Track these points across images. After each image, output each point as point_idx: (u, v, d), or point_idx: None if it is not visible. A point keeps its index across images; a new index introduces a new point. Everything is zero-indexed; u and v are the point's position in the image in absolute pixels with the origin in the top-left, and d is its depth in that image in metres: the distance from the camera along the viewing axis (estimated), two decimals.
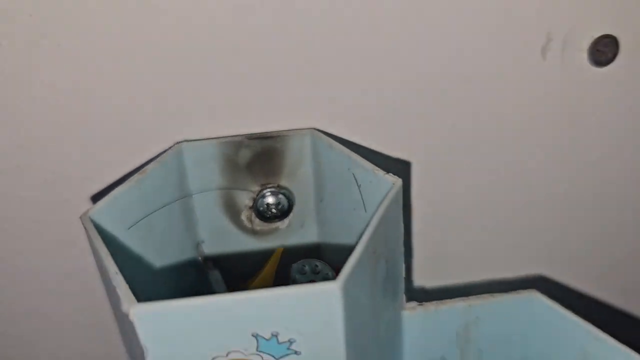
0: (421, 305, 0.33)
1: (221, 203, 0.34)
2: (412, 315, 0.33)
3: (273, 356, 0.24)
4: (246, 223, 0.35)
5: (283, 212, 0.35)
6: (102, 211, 0.28)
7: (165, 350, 0.23)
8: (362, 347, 0.27)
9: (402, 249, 0.30)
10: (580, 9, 0.33)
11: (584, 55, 0.34)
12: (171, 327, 0.22)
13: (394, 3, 0.30)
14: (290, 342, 0.24)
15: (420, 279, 0.37)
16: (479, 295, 0.33)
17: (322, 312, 0.23)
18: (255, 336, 0.23)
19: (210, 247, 0.35)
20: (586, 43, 0.34)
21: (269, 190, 0.34)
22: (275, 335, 0.23)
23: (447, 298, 0.32)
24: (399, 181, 0.28)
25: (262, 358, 0.24)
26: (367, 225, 0.25)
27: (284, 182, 0.34)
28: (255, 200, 0.35)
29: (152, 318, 0.22)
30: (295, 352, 0.24)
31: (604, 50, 0.34)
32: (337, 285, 0.22)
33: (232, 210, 0.35)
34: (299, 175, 0.34)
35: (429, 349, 0.34)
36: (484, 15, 0.32)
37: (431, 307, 0.33)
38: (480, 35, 0.32)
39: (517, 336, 0.34)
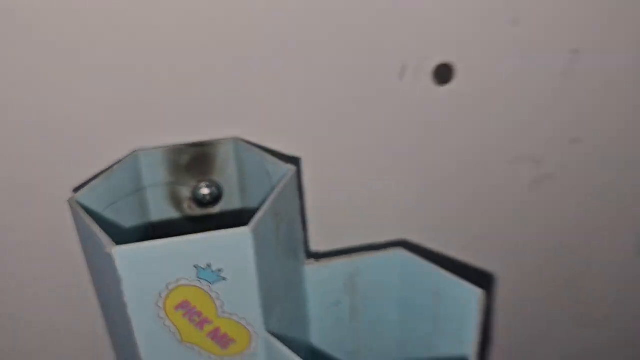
0: (317, 261, 0.45)
1: (168, 195, 0.46)
2: (311, 269, 0.45)
3: (208, 281, 0.35)
4: (187, 210, 0.47)
5: (215, 200, 0.47)
6: (83, 197, 0.39)
7: (135, 279, 0.34)
8: (272, 283, 0.39)
9: (299, 219, 0.43)
10: (427, 42, 0.46)
11: (429, 78, 0.47)
12: (139, 262, 0.34)
13: (285, 25, 0.43)
14: (220, 270, 0.35)
15: (314, 245, 0.49)
16: (359, 253, 0.45)
17: (239, 248, 0.35)
18: (196, 266, 0.35)
19: (160, 229, 0.46)
20: (430, 68, 0.47)
21: (204, 184, 0.46)
22: (209, 265, 0.35)
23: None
24: (293, 168, 0.40)
25: (201, 283, 0.35)
26: (270, 194, 0.37)
27: (215, 177, 0.46)
28: (193, 192, 0.46)
29: (126, 255, 0.33)
30: (224, 278, 0.35)
31: (443, 74, 0.48)
32: (249, 228, 0.34)
33: (176, 200, 0.46)
34: (226, 172, 0.46)
35: (325, 296, 0.46)
36: (358, 47, 0.45)
37: (324, 262, 0.45)
38: (354, 61, 0.45)
39: (391, 283, 0.46)
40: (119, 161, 0.43)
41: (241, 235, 0.34)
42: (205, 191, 0.46)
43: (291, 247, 0.42)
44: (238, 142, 0.45)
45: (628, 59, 0.50)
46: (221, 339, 0.38)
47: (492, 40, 0.47)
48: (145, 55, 0.41)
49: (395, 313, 0.47)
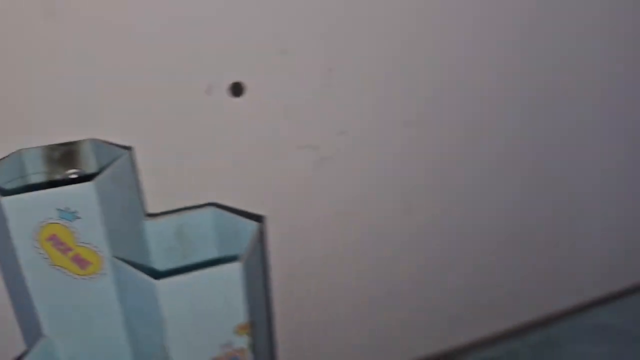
0: (154, 217, 0.66)
1: (46, 180, 0.65)
2: (149, 222, 0.65)
3: (67, 220, 0.55)
4: None
5: None
6: None
7: (17, 219, 0.53)
8: (115, 224, 0.58)
9: (135, 187, 0.63)
10: (223, 68, 0.68)
11: (227, 92, 0.69)
12: (20, 206, 0.53)
13: (125, 54, 0.64)
14: (75, 212, 0.55)
15: (150, 209, 0.70)
16: (184, 210, 0.66)
17: (87, 196, 0.55)
18: (58, 210, 0.55)
19: None
20: (227, 86, 0.69)
21: (72, 171, 0.66)
22: (67, 208, 0.55)
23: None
24: (127, 152, 0.61)
25: (63, 221, 0.55)
26: (110, 165, 0.58)
27: (80, 167, 0.66)
28: (65, 177, 0.66)
29: (10, 201, 0.53)
30: (79, 218, 0.55)
31: (237, 89, 0.70)
32: (92, 183, 0.55)
33: (52, 184, 0.66)
34: (88, 162, 0.66)
35: (162, 243, 0.66)
36: (177, 72, 0.66)
37: (158, 218, 0.66)
38: (174, 82, 0.66)
39: (208, 231, 0.67)
40: (9, 155, 0.62)
41: (87, 187, 0.55)
42: (73, 177, 0.66)
43: (131, 205, 0.62)
44: (94, 140, 0.65)
45: (372, 74, 0.74)
46: (81, 262, 0.57)
47: (269, 64, 0.70)
48: (22, 79, 0.61)
49: (214, 252, 0.68)
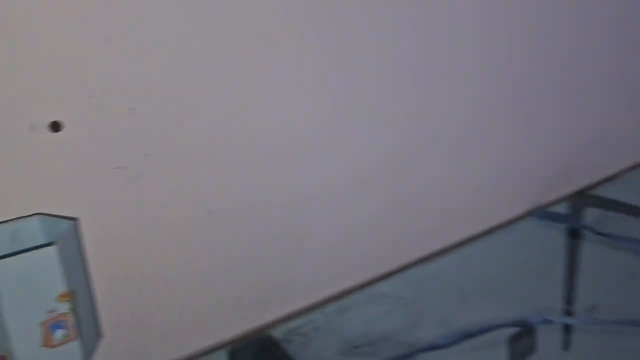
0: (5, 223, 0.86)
1: None
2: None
3: None
4: None
5: None
6: None
7: None
8: None
9: None
10: (43, 110, 0.90)
11: (47, 129, 0.91)
12: None
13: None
14: None
15: None
16: (16, 220, 0.87)
17: None
18: None
19: None
20: (47, 123, 0.91)
21: None
22: None
23: None
24: None
25: None
26: None
27: None
28: None
29: None
30: None
31: (56, 126, 0.92)
32: None
33: None
34: None
35: (1, 245, 0.87)
36: (10, 117, 0.87)
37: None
38: (8, 124, 0.88)
39: (39, 231, 0.88)
40: None
41: None
42: None
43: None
44: None
45: (165, 111, 0.99)
46: None
47: (81, 106, 0.93)
48: None
49: None
